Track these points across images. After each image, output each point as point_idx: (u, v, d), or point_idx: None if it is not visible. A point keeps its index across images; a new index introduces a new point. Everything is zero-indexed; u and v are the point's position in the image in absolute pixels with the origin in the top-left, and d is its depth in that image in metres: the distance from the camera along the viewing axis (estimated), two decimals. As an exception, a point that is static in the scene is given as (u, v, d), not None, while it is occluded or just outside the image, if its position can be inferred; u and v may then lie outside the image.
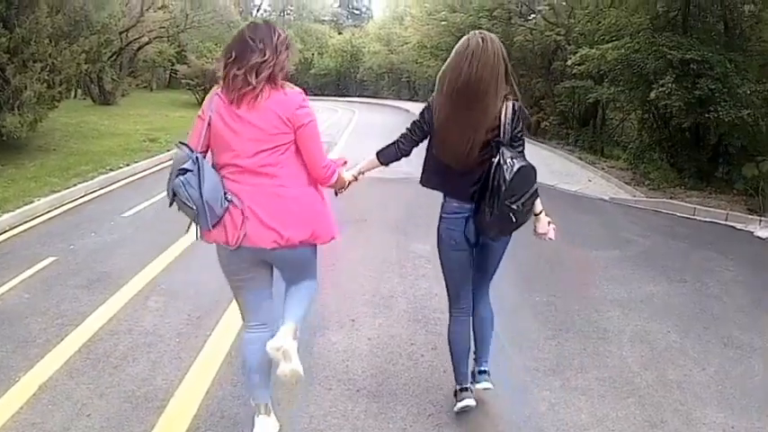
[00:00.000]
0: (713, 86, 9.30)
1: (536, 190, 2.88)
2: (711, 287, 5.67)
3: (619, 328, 4.59)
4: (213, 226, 2.56)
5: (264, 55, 2.53)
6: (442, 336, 3.40)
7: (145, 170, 11.25)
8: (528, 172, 2.80)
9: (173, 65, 30.81)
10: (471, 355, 3.33)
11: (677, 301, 5.25)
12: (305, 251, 2.79)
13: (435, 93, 2.94)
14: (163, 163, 12.15)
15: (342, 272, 5.53)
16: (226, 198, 2.56)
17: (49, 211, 7.84)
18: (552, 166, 13.31)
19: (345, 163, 2.99)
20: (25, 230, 7.02)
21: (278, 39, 2.60)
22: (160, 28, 28.09)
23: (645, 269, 6.12)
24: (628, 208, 9.50)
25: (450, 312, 3.26)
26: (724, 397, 3.65)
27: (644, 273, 5.99)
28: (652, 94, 9.81)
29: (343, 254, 5.96)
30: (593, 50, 10.87)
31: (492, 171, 2.79)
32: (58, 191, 8.64)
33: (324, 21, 58.56)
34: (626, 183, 11.10)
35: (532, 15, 19.65)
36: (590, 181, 11.50)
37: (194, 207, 2.51)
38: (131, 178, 10.46)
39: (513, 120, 2.82)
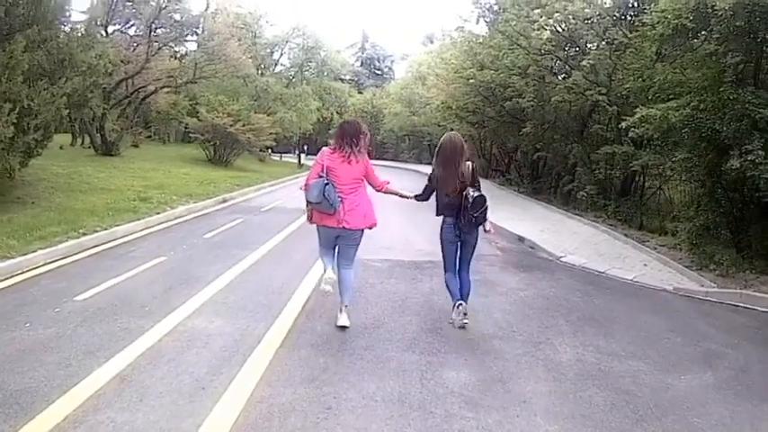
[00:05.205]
0: (809, 155, 7.54)
1: (486, 207, 5.69)
2: None
3: None
4: (332, 213, 5.41)
5: (361, 141, 5.57)
6: None
7: (124, 236, 9.71)
8: (480, 198, 5.63)
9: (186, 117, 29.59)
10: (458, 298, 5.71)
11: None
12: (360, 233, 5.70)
13: (435, 165, 5.92)
14: (148, 228, 10.63)
15: (341, 420, 3.80)
16: (339, 200, 5.44)
17: (-12, 286, 6.40)
18: (598, 246, 11.54)
19: (389, 183, 5.86)
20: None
21: (363, 130, 5.65)
22: (167, 77, 26.47)
23: (752, 400, 4.55)
24: (699, 303, 7.67)
25: (445, 272, 5.93)
26: None
27: (753, 408, 4.43)
28: (735, 163, 8.00)
29: (349, 387, 4.25)
30: (654, 110, 9.16)
31: (463, 199, 5.65)
32: (13, 257, 7.26)
33: (344, 79, 56.69)
34: (686, 267, 9.32)
35: (563, 75, 18.30)
36: (646, 265, 9.64)
37: (330, 201, 5.34)
38: (103, 246, 8.89)
39: (472, 173, 5.75)
